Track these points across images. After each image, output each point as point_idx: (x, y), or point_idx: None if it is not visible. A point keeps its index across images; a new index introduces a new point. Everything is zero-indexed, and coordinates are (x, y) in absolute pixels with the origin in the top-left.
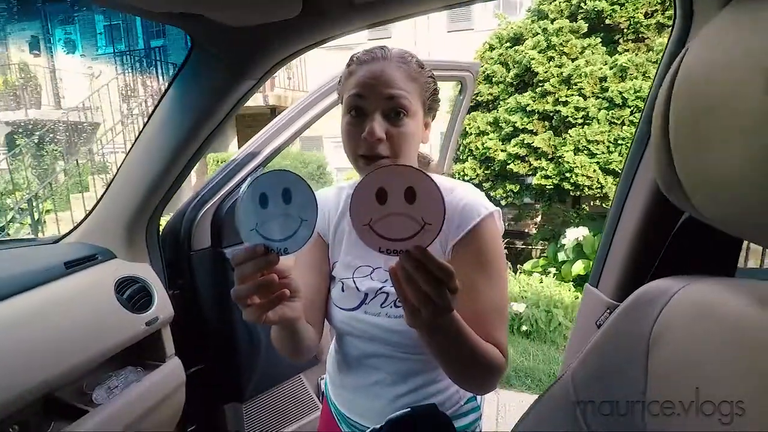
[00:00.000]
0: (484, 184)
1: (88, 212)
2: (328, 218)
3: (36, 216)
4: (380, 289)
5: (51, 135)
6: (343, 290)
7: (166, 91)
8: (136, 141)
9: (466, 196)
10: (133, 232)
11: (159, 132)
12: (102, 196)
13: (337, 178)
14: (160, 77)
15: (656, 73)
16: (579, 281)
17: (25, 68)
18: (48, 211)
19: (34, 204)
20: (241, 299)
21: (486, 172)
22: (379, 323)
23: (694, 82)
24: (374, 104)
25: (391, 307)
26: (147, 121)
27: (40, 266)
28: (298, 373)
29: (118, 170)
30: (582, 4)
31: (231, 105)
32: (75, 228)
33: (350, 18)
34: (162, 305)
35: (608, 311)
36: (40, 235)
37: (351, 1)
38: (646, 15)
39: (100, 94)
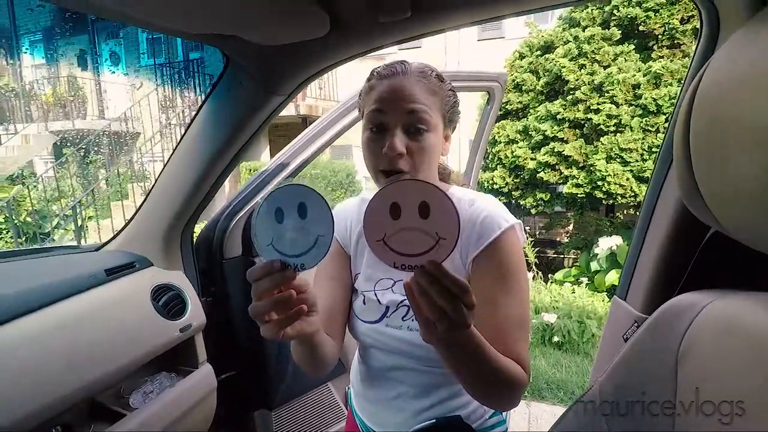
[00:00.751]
0: (513, 193)
1: (127, 221)
2: (350, 229)
3: (79, 222)
4: (401, 302)
5: (95, 145)
6: (364, 303)
7: (201, 105)
8: (173, 152)
9: (486, 209)
10: (169, 241)
11: (195, 144)
12: (141, 205)
13: (366, 187)
14: (197, 88)
15: (682, 85)
16: (612, 291)
17: (73, 81)
18: (90, 218)
19: (78, 211)
20: (258, 316)
21: (515, 180)
22: (401, 336)
23: (715, 95)
24: (394, 119)
25: (412, 320)
26: (184, 134)
27: (83, 273)
28: (326, 382)
29: (156, 180)
30: (615, 11)
31: (263, 118)
32: (115, 236)
33: (377, 35)
34: (195, 312)
35: (636, 324)
36: (82, 241)
37: (377, 19)
38: (682, 21)
39: (140, 104)
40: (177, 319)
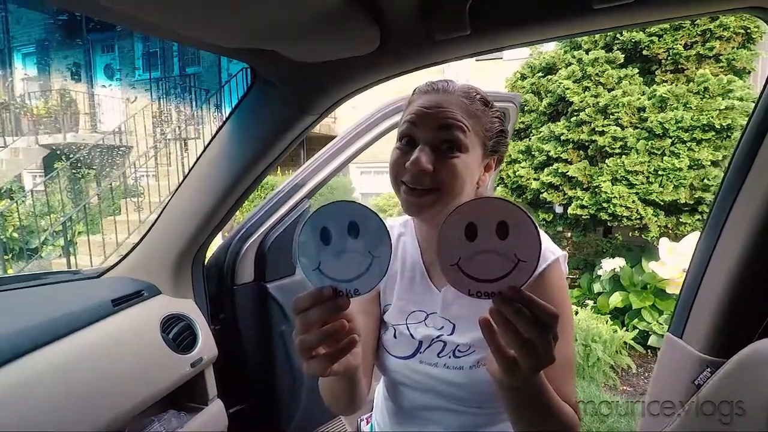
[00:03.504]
0: None
1: (134, 245)
2: None
3: (69, 238)
4: (437, 337)
5: (87, 159)
6: (395, 336)
7: (223, 124)
8: (189, 172)
9: None
10: (180, 266)
11: (215, 164)
12: (150, 229)
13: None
14: (194, 103)
15: (758, 100)
16: (616, 314)
17: (65, 93)
18: (80, 233)
19: (68, 226)
20: (306, 351)
21: (518, 200)
22: (437, 374)
23: None
24: (425, 134)
25: (450, 357)
26: (201, 154)
27: (88, 304)
28: (339, 415)
29: (168, 201)
30: (618, 35)
31: (291, 138)
32: (120, 261)
33: (429, 53)
34: (206, 345)
35: (708, 369)
36: (72, 258)
37: (433, 38)
38: (685, 46)
39: (135, 119)
40: (188, 352)
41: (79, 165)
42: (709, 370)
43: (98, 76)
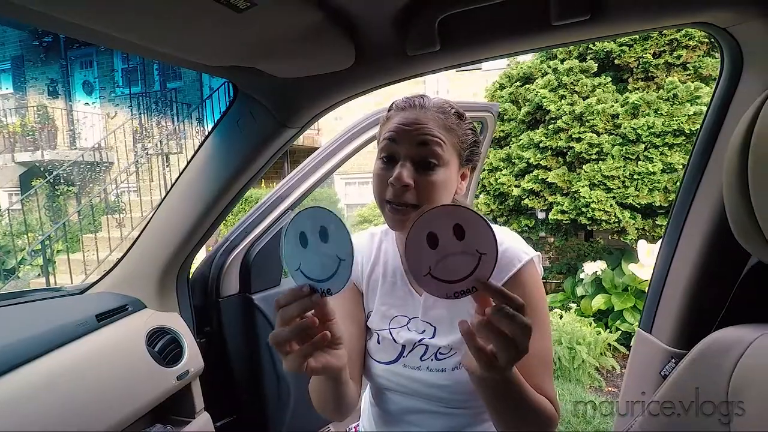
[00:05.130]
0: (498, 219)
1: (118, 260)
2: (362, 266)
3: (47, 256)
4: (419, 341)
5: (66, 175)
6: (379, 342)
7: (205, 139)
8: (172, 187)
9: (505, 242)
10: (165, 279)
11: (198, 179)
12: (134, 243)
13: (347, 215)
14: (175, 118)
15: (707, 111)
16: (599, 316)
17: (42, 110)
18: (59, 252)
19: (47, 244)
20: (280, 345)
21: (500, 207)
22: (420, 377)
23: None
24: (405, 150)
25: (432, 360)
26: (184, 169)
27: (71, 320)
28: (328, 424)
29: (152, 216)
30: (591, 46)
31: (273, 152)
32: (102, 277)
33: (404, 67)
34: (192, 358)
35: (674, 360)
36: (51, 278)
37: (406, 52)
38: (654, 55)
39: (115, 135)
40: (174, 365)
41: (57, 182)
42: (674, 361)
43: (77, 92)
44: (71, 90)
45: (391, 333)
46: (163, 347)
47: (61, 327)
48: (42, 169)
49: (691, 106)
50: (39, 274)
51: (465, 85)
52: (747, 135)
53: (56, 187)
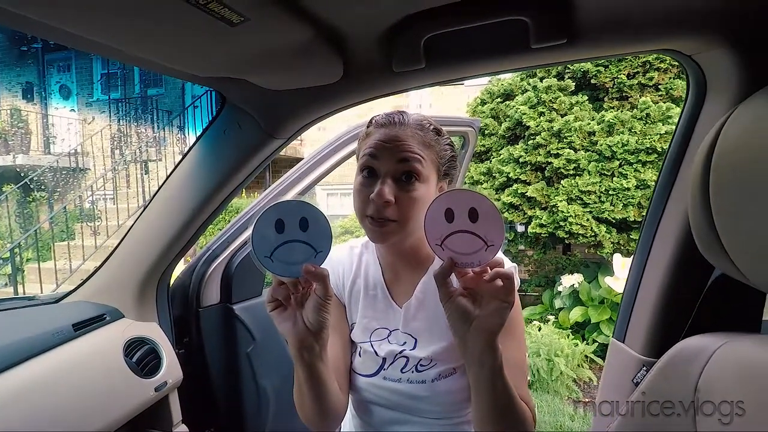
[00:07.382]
0: None
1: (95, 269)
2: (343, 278)
3: (16, 265)
4: (400, 352)
5: (38, 181)
6: (360, 355)
7: (191, 148)
8: (154, 196)
9: None
10: (144, 290)
11: (181, 189)
12: (112, 252)
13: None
14: (155, 125)
15: (674, 132)
16: (576, 328)
17: (15, 113)
18: (29, 260)
19: (17, 252)
20: (270, 303)
21: None
22: (401, 389)
23: (740, 150)
24: (386, 167)
25: (413, 371)
26: (168, 177)
27: (47, 330)
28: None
29: (132, 226)
30: (569, 66)
31: (258, 162)
32: (79, 286)
33: (390, 83)
34: (171, 368)
35: (645, 369)
36: (19, 287)
37: (392, 68)
38: (628, 76)
39: (93, 140)
40: (152, 376)
41: (30, 188)
42: (645, 369)
43: (53, 96)
44: (47, 93)
45: (372, 345)
46: (141, 358)
47: (36, 336)
48: (14, 173)
49: (663, 125)
50: (6, 284)
51: (448, 100)
52: (708, 155)
53: (29, 193)
